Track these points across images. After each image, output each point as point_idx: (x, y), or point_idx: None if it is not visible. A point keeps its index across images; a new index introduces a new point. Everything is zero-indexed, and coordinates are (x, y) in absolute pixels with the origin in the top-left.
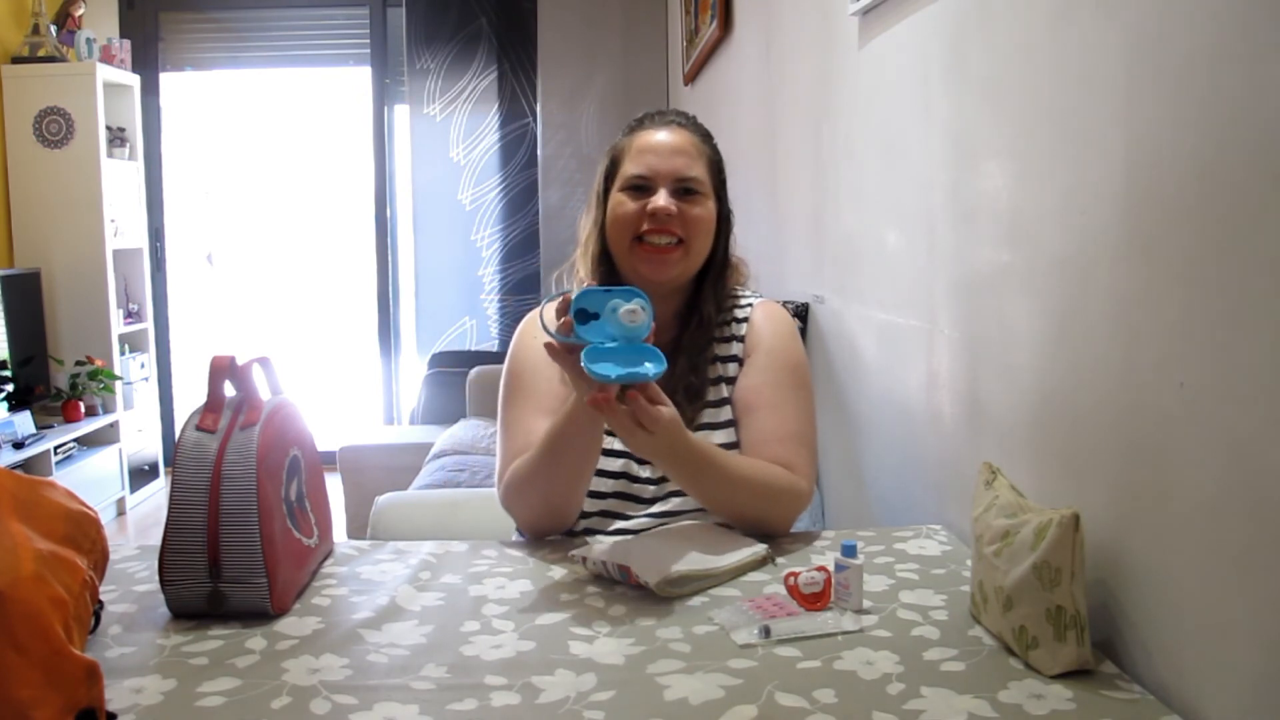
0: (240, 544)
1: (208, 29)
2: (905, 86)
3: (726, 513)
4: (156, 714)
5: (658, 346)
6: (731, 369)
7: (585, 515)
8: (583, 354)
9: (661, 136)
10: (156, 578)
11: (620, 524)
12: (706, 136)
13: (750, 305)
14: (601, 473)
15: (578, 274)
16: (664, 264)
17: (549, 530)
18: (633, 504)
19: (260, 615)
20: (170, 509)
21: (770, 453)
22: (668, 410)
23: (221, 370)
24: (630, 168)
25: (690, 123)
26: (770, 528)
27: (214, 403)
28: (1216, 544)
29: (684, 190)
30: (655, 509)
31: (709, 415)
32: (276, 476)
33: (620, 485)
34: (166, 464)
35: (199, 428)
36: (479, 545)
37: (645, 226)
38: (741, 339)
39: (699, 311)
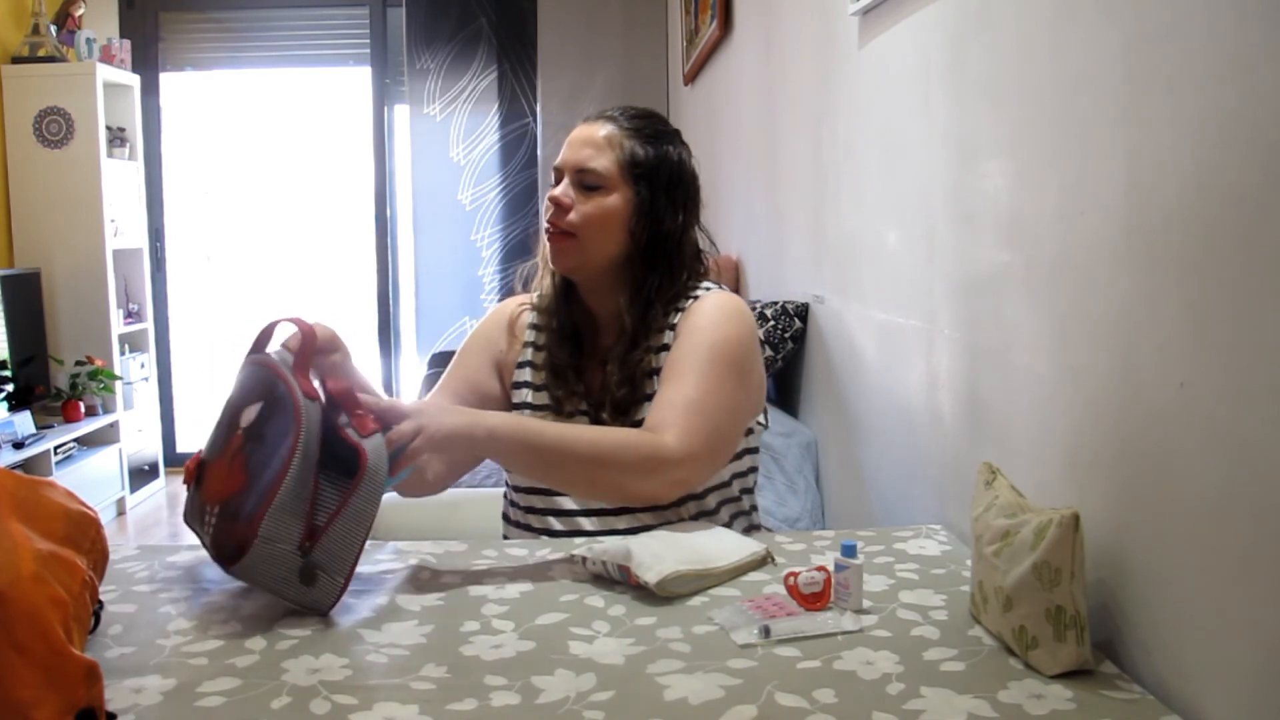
0: (346, 536)
1: (208, 29)
2: (905, 86)
3: (580, 492)
4: (156, 714)
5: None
6: (663, 359)
7: (531, 511)
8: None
9: (579, 130)
10: (146, 579)
11: (585, 520)
12: (638, 130)
13: (697, 297)
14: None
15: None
16: (558, 253)
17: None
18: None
19: (314, 610)
20: (289, 471)
21: (651, 418)
22: (407, 425)
23: (313, 338)
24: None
25: (625, 116)
26: (637, 498)
27: (304, 366)
28: (1217, 544)
29: (582, 183)
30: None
31: (647, 410)
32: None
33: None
34: (166, 464)
35: (308, 394)
36: (479, 545)
37: (548, 217)
38: (674, 327)
39: (620, 325)
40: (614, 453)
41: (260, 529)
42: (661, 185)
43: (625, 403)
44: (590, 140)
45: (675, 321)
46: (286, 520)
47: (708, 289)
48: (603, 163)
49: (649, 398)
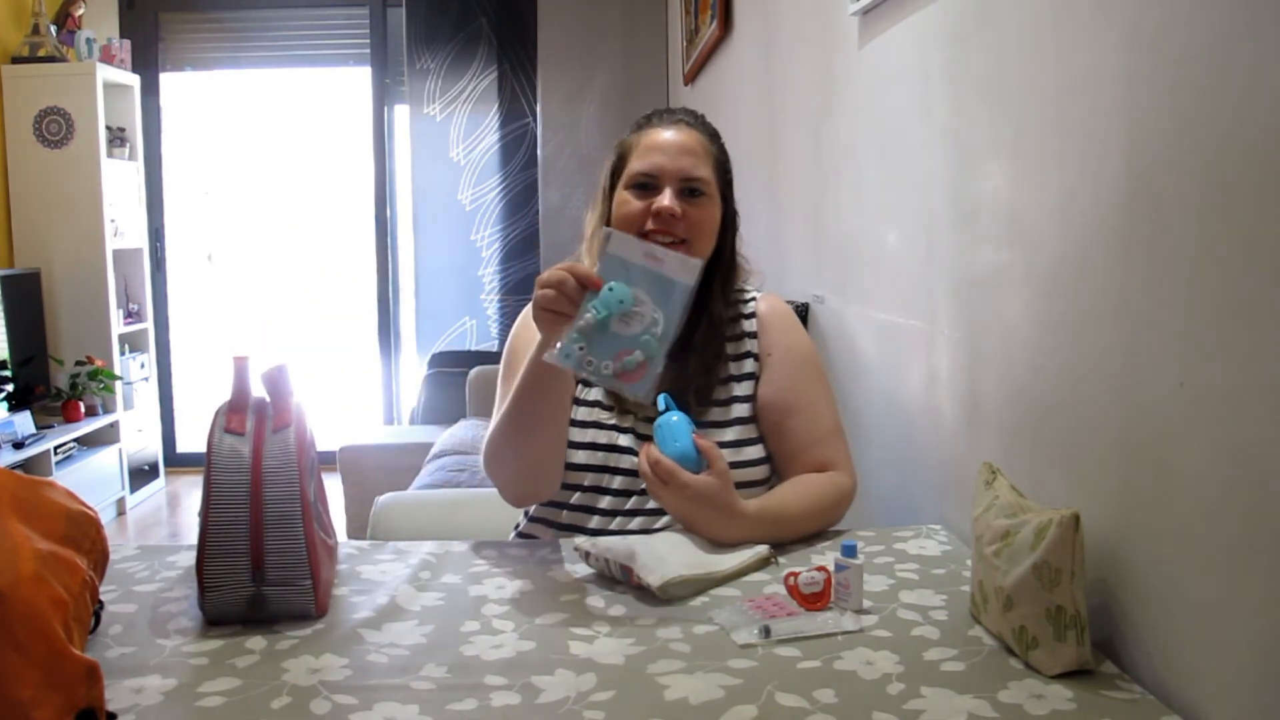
0: (285, 546)
1: (208, 29)
2: (905, 86)
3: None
4: (156, 714)
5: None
6: (748, 365)
7: (590, 511)
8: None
9: (669, 135)
10: (146, 579)
11: (625, 521)
12: (714, 136)
13: (754, 300)
14: (580, 467)
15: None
16: None
17: (531, 494)
18: (640, 496)
19: (302, 618)
20: (209, 513)
21: (813, 457)
22: (702, 480)
23: (247, 371)
24: (636, 165)
25: (699, 122)
26: (827, 528)
27: (239, 404)
28: (1217, 544)
29: (689, 190)
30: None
31: (717, 413)
32: (307, 477)
33: (628, 482)
34: (166, 464)
35: (228, 430)
36: (479, 545)
37: (649, 225)
38: (752, 335)
39: (708, 312)
40: (825, 508)
41: (203, 582)
42: (731, 189)
43: (707, 389)
44: (689, 148)
45: (751, 329)
46: (228, 561)
47: (758, 290)
48: (706, 171)
49: (722, 382)
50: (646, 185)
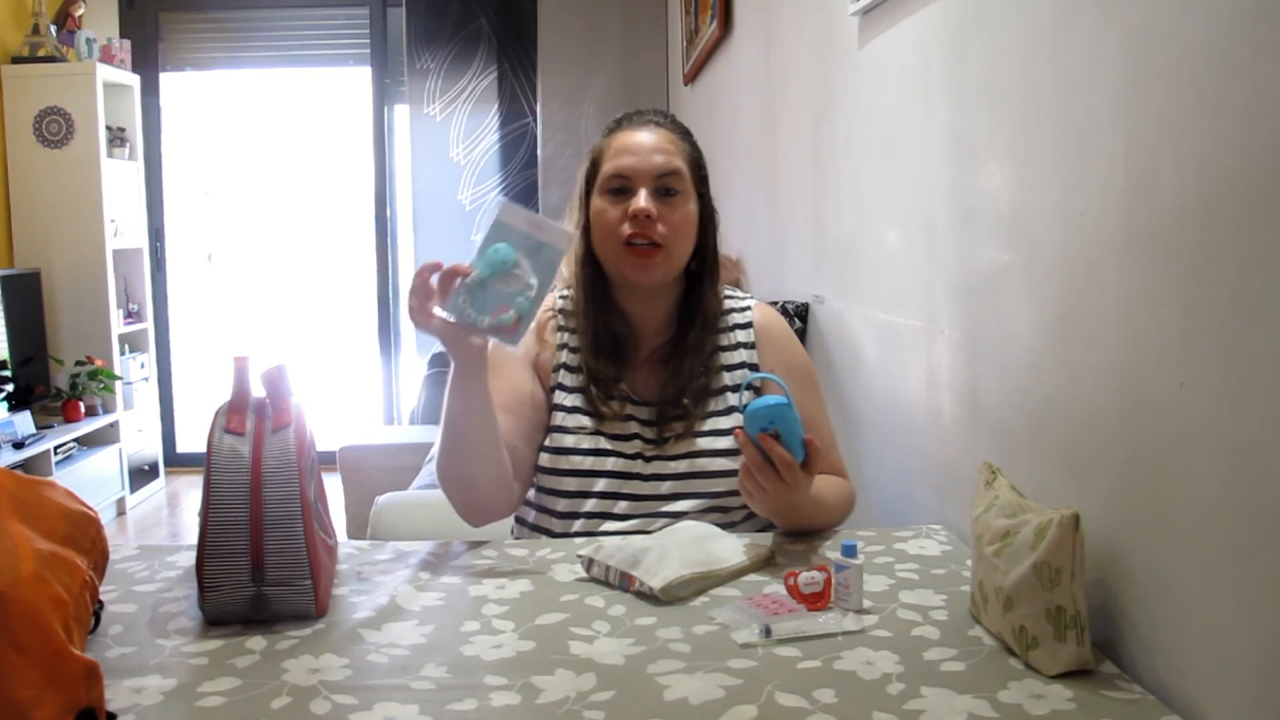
0: (285, 546)
1: (208, 29)
2: (905, 86)
3: (804, 530)
4: (156, 714)
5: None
6: (740, 375)
7: (577, 516)
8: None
9: (640, 136)
10: (146, 579)
11: (615, 524)
12: (686, 134)
13: (749, 308)
14: (591, 473)
15: (561, 275)
16: (646, 267)
17: (482, 513)
18: (629, 502)
19: (302, 618)
20: (209, 513)
21: (822, 467)
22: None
23: (247, 371)
24: (609, 167)
25: (669, 121)
26: (828, 529)
27: (239, 404)
28: (1217, 544)
29: (664, 190)
30: (662, 509)
31: (717, 420)
32: (307, 477)
33: (614, 484)
34: (166, 464)
35: (228, 430)
36: (479, 545)
37: (628, 230)
38: (749, 345)
39: (701, 312)
40: (843, 505)
41: (203, 582)
42: (707, 185)
43: (704, 390)
44: (660, 146)
45: (749, 339)
46: (228, 561)
47: (750, 297)
48: (679, 164)
49: (725, 411)
50: (621, 189)
